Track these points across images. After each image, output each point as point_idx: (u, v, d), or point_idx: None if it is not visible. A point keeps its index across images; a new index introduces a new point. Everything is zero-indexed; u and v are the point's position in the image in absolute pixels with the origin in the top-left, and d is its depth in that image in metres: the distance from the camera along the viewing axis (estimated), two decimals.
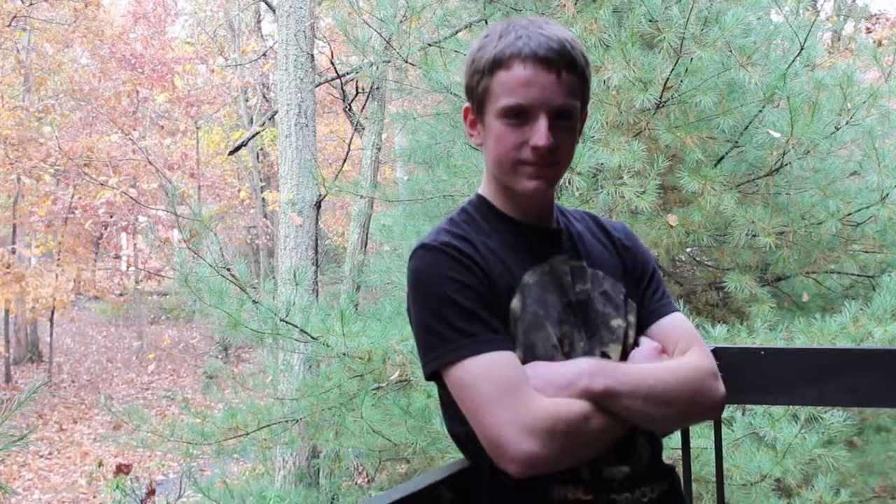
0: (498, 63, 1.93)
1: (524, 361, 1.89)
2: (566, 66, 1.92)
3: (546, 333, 1.95)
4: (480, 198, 2.14)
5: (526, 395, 1.79)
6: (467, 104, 2.09)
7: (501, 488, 1.96)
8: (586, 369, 1.86)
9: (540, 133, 1.90)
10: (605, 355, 2.03)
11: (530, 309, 1.96)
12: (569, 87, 1.93)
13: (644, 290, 2.18)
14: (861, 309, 5.63)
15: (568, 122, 1.96)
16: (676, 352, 2.06)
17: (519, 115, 1.92)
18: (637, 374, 1.90)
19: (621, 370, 1.90)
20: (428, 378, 1.96)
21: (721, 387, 2.03)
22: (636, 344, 2.09)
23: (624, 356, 2.06)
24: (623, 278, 2.15)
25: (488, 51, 1.96)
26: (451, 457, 5.99)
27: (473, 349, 1.85)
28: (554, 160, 1.96)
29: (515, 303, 1.95)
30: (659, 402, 1.89)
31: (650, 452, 2.06)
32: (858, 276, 7.12)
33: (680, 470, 2.53)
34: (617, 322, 2.08)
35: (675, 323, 2.14)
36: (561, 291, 2.02)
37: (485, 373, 1.83)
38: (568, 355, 1.96)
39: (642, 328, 2.13)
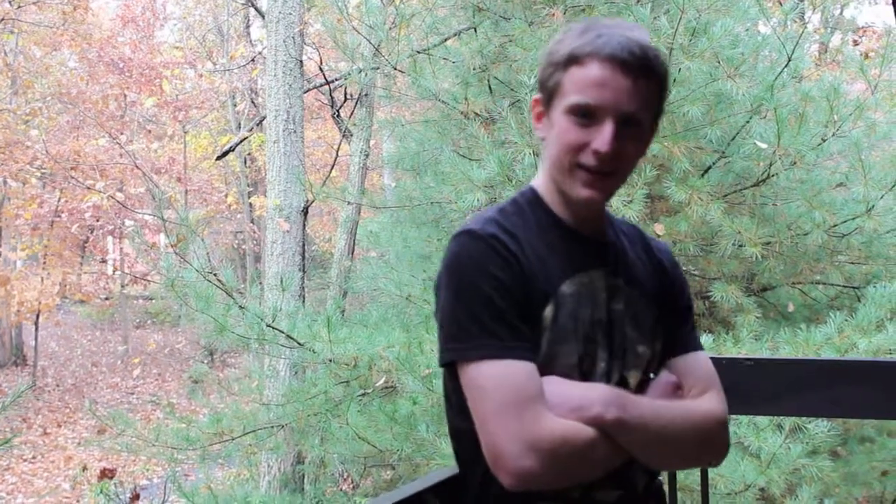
0: (574, 58, 1.85)
1: (542, 373, 1.83)
2: (644, 73, 1.84)
3: (569, 349, 1.88)
4: (534, 192, 2.05)
5: (537, 410, 1.75)
6: (537, 95, 2.00)
7: (487, 490, 1.92)
8: (602, 397, 1.80)
9: (604, 137, 1.82)
10: (623, 379, 1.96)
11: (561, 321, 1.89)
12: (643, 96, 1.85)
13: (674, 319, 2.10)
14: (846, 320, 5.65)
15: (636, 131, 1.88)
16: (693, 392, 2.00)
17: (586, 115, 1.84)
18: (650, 411, 1.85)
19: (636, 404, 1.84)
20: (442, 365, 1.91)
21: (727, 437, 1.99)
22: (655, 374, 2.04)
23: (642, 384, 2.00)
24: (658, 302, 2.07)
25: (566, 45, 1.88)
26: (437, 464, 5.99)
27: (495, 352, 1.79)
28: (613, 169, 1.88)
29: (548, 311, 1.88)
30: (664, 443, 1.86)
31: (646, 479, 2.02)
32: (844, 287, 7.14)
33: (665, 478, 2.53)
34: (642, 348, 2.01)
35: (698, 362, 2.09)
36: (594, 307, 1.94)
37: (501, 380, 1.77)
38: (586, 374, 1.91)
39: (664, 358, 2.07)
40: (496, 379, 1.78)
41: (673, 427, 1.87)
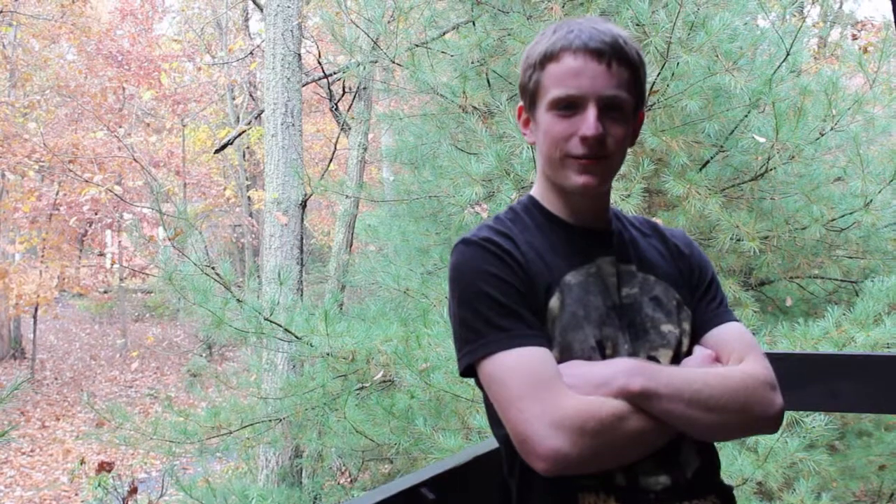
0: (549, 56, 1.91)
1: (560, 361, 1.84)
2: (617, 58, 1.88)
3: (584, 334, 1.89)
4: (530, 198, 2.10)
5: (556, 390, 1.74)
6: (521, 103, 2.06)
7: (528, 490, 1.93)
8: (624, 368, 1.79)
9: (588, 123, 1.86)
10: (653, 360, 1.94)
11: (569, 309, 1.90)
12: (619, 79, 1.89)
13: (700, 298, 2.10)
14: (844, 314, 5.64)
15: (619, 114, 1.91)
16: (731, 361, 1.96)
17: (568, 107, 1.89)
18: (681, 377, 1.82)
19: (663, 372, 1.82)
20: (462, 374, 1.92)
21: (778, 399, 1.93)
22: (690, 352, 2.01)
23: (676, 363, 1.97)
24: (678, 285, 2.07)
25: (540, 46, 1.95)
26: (435, 458, 6.00)
27: (505, 343, 1.81)
28: (603, 153, 1.90)
29: (554, 302, 1.90)
30: (704, 409, 1.80)
31: (698, 464, 1.96)
32: (842, 281, 7.15)
33: None
34: (668, 327, 1.99)
35: (732, 332, 2.05)
36: (605, 293, 1.95)
37: (515, 367, 1.78)
38: (610, 357, 1.90)
39: (697, 337, 2.05)
40: (510, 367, 1.79)
41: (710, 391, 1.82)
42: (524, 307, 1.86)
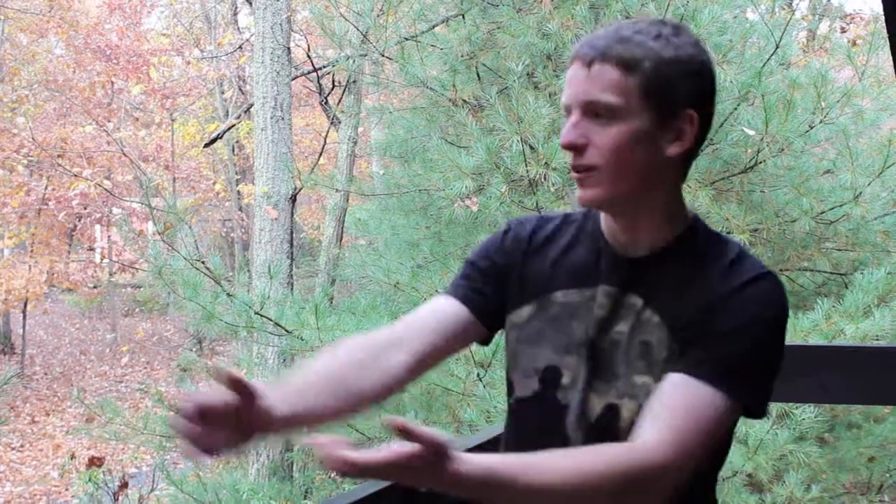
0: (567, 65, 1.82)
1: (507, 368, 1.83)
2: (600, 58, 1.67)
3: (534, 353, 1.78)
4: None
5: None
6: None
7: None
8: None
9: (564, 129, 1.71)
10: (613, 408, 1.72)
11: (536, 324, 1.80)
12: (601, 82, 1.67)
13: (700, 340, 1.66)
14: (833, 306, 5.66)
15: (606, 120, 1.68)
16: (644, 421, 1.60)
17: (569, 117, 1.73)
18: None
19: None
20: None
21: (668, 489, 1.54)
22: None
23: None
24: (683, 336, 1.69)
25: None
26: None
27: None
28: (590, 163, 1.68)
29: (527, 310, 1.81)
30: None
31: None
32: (831, 273, 7.17)
33: None
34: (643, 379, 1.70)
35: (678, 389, 1.62)
36: (589, 323, 1.76)
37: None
38: (567, 387, 1.76)
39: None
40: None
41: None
42: (482, 273, 1.89)
